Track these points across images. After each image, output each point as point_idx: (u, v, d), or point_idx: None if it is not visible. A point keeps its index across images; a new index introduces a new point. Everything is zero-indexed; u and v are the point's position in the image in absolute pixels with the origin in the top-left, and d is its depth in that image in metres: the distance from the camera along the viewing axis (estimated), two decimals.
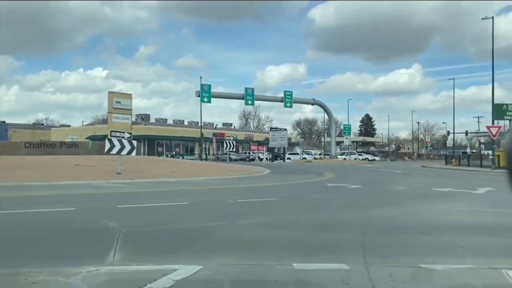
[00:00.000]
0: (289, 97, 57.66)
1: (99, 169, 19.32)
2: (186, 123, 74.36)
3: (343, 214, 8.72)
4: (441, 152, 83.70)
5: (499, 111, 31.51)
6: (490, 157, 36.37)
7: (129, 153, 17.68)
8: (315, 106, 65.26)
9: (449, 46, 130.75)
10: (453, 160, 42.22)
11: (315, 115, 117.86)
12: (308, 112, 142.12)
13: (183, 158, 50.01)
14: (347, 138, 63.63)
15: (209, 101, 52.70)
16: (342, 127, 72.57)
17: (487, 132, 58.51)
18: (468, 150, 61.47)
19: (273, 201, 10.86)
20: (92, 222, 7.33)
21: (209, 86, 52.20)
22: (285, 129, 63.74)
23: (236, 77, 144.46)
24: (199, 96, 51.38)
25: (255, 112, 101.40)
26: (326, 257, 4.92)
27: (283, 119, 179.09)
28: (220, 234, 6.28)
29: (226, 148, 36.40)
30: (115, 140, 17.33)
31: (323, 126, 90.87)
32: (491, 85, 32.00)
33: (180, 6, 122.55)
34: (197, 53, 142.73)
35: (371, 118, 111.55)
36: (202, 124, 58.75)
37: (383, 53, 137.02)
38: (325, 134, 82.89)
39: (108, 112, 57.15)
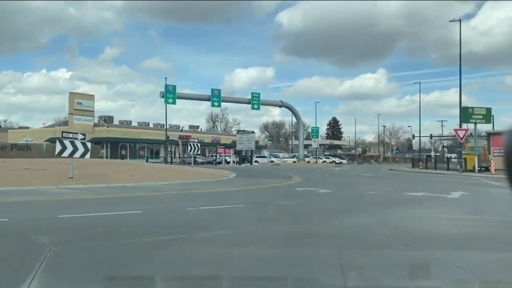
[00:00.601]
0: (257, 99, 56.76)
1: (51, 173, 17.80)
2: (151, 125, 72.41)
3: (315, 224, 7.84)
4: (406, 155, 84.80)
5: (465, 114, 31.71)
6: (453, 159, 36.64)
7: (83, 156, 16.28)
8: (282, 109, 64.87)
9: (412, 51, 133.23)
10: (420, 163, 42.41)
11: (283, 118, 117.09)
12: (276, 115, 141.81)
13: (146, 161, 48.28)
14: (315, 141, 63.21)
15: (173, 102, 51.15)
16: (310, 130, 72.27)
17: (451, 136, 59.52)
18: (432, 154, 62.27)
19: (238, 208, 9.89)
20: (20, 236, 6.17)
21: (174, 87, 50.62)
22: (253, 132, 62.83)
23: (203, 80, 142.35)
24: (163, 97, 49.78)
25: (222, 115, 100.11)
26: (299, 283, 4.02)
27: (251, 122, 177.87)
28: (170, 253, 5.24)
29: (190, 151, 35.11)
30: (67, 142, 15.89)
31: (291, 129, 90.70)
32: (453, 90, 32.57)
33: (146, 7, 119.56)
34: (164, 55, 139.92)
35: (338, 121, 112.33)
36: (168, 126, 57.05)
37: (349, 57, 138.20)
38: (293, 137, 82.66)
39: (68, 114, 54.64)
